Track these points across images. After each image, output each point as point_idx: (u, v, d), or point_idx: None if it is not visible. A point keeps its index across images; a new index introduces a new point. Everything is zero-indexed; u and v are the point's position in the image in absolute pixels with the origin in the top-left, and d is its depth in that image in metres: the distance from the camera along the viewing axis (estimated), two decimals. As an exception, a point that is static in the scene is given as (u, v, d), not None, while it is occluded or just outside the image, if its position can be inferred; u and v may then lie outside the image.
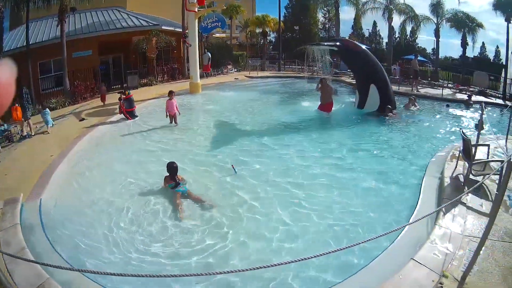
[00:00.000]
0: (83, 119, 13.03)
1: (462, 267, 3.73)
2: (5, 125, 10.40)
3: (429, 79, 21.59)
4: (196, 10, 17.42)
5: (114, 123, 12.15)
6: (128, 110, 12.43)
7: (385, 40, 38.08)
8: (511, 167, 3.14)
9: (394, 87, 15.68)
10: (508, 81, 17.20)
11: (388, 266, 3.92)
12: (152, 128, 11.27)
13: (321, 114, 12.09)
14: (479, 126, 6.61)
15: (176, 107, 11.24)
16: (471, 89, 18.08)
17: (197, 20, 17.91)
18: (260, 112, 13.48)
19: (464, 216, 4.73)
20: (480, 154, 6.64)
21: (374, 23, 45.45)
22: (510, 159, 3.17)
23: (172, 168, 6.39)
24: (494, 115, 12.93)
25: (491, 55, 42.01)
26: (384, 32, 42.13)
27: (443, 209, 4.70)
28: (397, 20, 30.31)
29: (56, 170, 7.67)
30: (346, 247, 3.14)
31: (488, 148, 6.47)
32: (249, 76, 25.08)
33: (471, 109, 13.71)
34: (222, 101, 15.99)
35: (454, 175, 6.05)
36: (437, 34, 28.55)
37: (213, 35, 35.69)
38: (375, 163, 7.74)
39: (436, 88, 18.41)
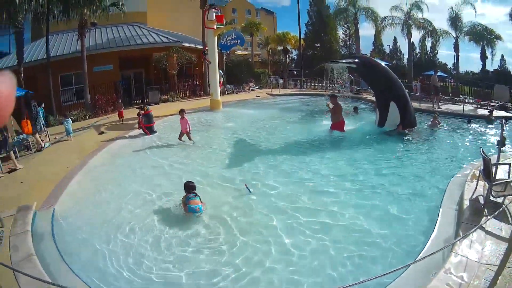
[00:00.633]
0: (102, 132, 13.48)
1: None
2: (24, 135, 10.81)
3: (450, 95, 21.32)
4: (215, 27, 17.91)
5: (132, 138, 12.46)
6: (147, 126, 12.74)
7: (406, 56, 38.58)
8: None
9: (415, 104, 15.66)
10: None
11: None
12: (169, 144, 11.42)
13: (338, 134, 11.89)
14: (500, 143, 6.38)
15: (188, 125, 11.35)
16: (492, 103, 17.90)
17: (216, 37, 18.37)
18: (278, 130, 13.44)
19: (482, 241, 4.46)
20: (502, 173, 6.34)
21: (395, 39, 46.50)
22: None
23: (188, 187, 6.30)
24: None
25: (510, 67, 41.99)
26: (404, 48, 42.94)
27: (460, 234, 4.48)
28: (416, 35, 30.96)
29: (71, 181, 7.90)
30: (358, 283, 3.01)
31: (510, 167, 6.14)
32: (271, 94, 25.33)
33: (493, 125, 13.39)
34: (241, 118, 16.12)
35: (474, 196, 5.76)
36: (456, 48, 28.96)
37: (235, 52, 36.52)
38: (393, 185, 7.38)
39: (457, 104, 18.20)
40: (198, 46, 24.83)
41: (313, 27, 47.18)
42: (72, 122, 13.83)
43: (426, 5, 29.36)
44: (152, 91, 21.66)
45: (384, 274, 3.26)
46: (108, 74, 21.03)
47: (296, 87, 31.31)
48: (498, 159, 6.31)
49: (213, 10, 17.62)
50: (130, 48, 22.62)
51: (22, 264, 4.24)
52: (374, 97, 14.90)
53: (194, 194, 6.19)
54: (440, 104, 18.06)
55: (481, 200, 5.58)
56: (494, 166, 5.58)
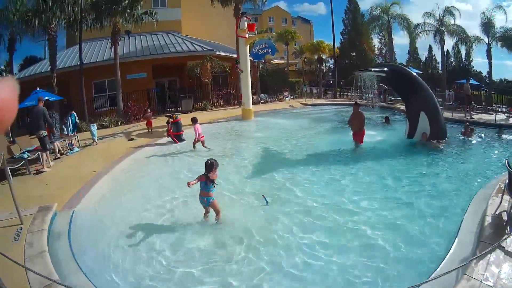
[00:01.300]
0: (132, 139, 14.06)
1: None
2: (27, 153, 11.23)
3: (484, 104, 20.52)
4: (247, 36, 18.23)
5: (161, 146, 12.90)
6: (175, 134, 13.19)
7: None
8: None
9: (447, 114, 15.82)
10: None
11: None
12: (197, 152, 11.62)
13: (364, 145, 11.55)
14: None
15: (198, 134, 11.67)
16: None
17: (248, 46, 18.69)
18: (307, 141, 13.31)
19: (499, 263, 4.06)
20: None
21: (430, 48, 45.71)
22: None
23: (207, 164, 6.01)
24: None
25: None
26: (439, 56, 42.04)
27: (477, 253, 4.16)
28: (449, 42, 31.25)
29: (95, 185, 8.29)
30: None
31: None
32: (304, 104, 25.37)
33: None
34: (272, 128, 16.20)
35: (497, 212, 5.39)
36: (489, 55, 28.91)
37: (272, 62, 36.87)
38: (417, 200, 7.07)
39: (490, 114, 17.60)
40: (232, 55, 25.27)
41: (348, 36, 47.28)
42: (104, 128, 14.55)
43: (458, 10, 29.66)
44: (185, 99, 22.33)
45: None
46: (142, 82, 21.98)
47: (331, 96, 31.19)
48: None
49: (245, 18, 18.03)
50: (164, 56, 23.57)
51: (33, 260, 4.50)
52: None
53: (212, 186, 6.01)
54: (472, 113, 17.62)
55: (504, 217, 5.22)
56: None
